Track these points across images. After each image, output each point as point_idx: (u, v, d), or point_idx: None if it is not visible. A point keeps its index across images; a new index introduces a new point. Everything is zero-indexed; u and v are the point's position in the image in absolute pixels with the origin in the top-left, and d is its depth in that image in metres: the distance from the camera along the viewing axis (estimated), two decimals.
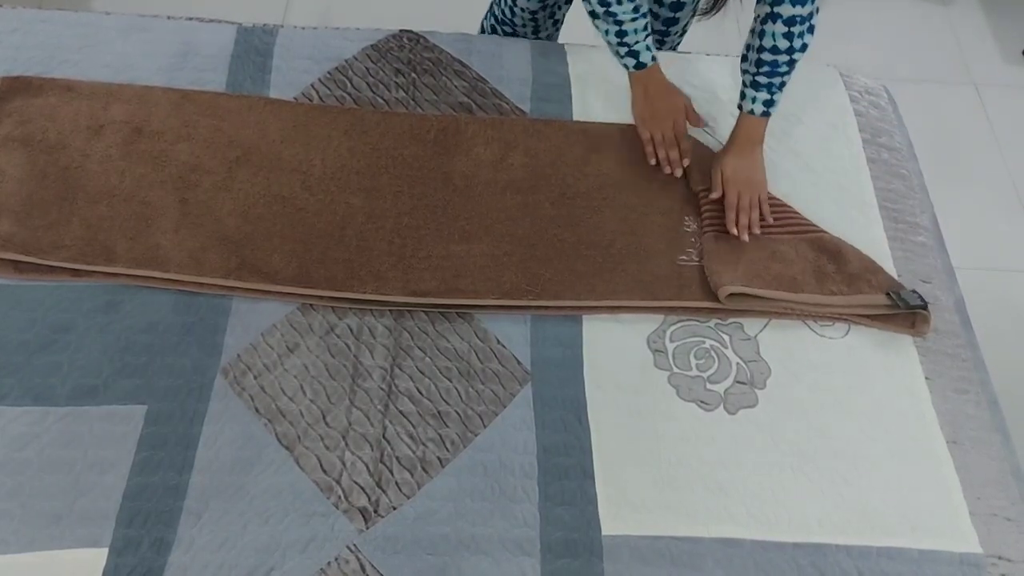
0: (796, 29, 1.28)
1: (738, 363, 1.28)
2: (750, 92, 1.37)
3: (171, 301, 1.26)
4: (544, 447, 1.18)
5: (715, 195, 1.39)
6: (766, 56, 1.31)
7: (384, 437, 1.16)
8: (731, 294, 1.30)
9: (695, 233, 1.39)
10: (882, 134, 1.60)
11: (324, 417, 1.18)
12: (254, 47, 1.58)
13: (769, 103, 1.36)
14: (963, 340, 1.35)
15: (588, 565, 1.09)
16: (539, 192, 1.42)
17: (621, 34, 1.36)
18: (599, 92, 1.58)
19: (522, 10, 1.69)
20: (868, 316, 1.33)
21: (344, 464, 1.14)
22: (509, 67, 1.59)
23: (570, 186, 1.43)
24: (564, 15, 1.76)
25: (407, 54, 1.59)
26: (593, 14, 1.37)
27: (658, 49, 1.69)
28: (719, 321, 1.32)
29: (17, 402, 1.15)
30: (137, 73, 1.51)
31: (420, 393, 1.21)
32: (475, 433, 1.18)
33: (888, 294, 1.32)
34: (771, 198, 1.42)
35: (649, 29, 1.38)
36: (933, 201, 1.56)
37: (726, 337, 1.30)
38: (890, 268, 1.40)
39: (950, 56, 2.72)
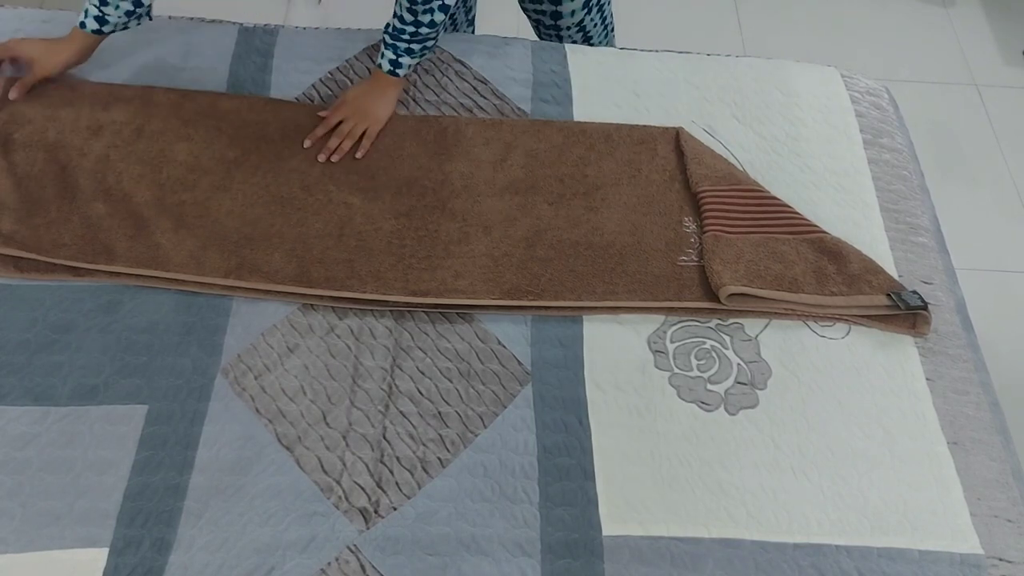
0: (419, 7, 1.34)
1: (739, 364, 1.28)
2: (381, 48, 1.44)
3: (172, 301, 1.26)
4: (544, 447, 1.18)
5: (329, 123, 1.43)
6: (395, 22, 1.39)
7: (384, 437, 1.17)
8: (732, 294, 1.30)
9: (695, 233, 1.39)
10: (883, 135, 1.60)
11: (324, 417, 1.18)
12: (255, 47, 1.58)
13: (395, 63, 1.42)
14: (964, 341, 1.35)
15: (588, 566, 1.08)
16: (538, 192, 1.42)
17: (414, 36, 1.39)
18: (600, 92, 1.58)
19: None
20: (868, 317, 1.33)
21: (344, 464, 1.14)
22: (510, 67, 1.59)
23: (569, 187, 1.43)
24: (475, 11, 1.81)
25: None
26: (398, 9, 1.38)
27: (553, 40, 1.74)
28: (720, 322, 1.32)
29: (17, 402, 1.15)
30: (137, 72, 1.51)
31: (420, 393, 1.21)
32: (475, 433, 1.18)
33: (888, 295, 1.32)
34: (771, 198, 1.43)
35: (426, 55, 1.44)
36: (934, 202, 1.56)
37: (727, 338, 1.30)
38: (891, 269, 1.40)
39: (951, 57, 2.72)
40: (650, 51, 1.69)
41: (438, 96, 1.54)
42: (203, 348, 1.22)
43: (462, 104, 1.53)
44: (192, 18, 1.63)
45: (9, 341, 1.20)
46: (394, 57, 1.42)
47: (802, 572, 1.10)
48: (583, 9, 1.66)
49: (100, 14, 1.39)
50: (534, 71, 1.59)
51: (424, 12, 1.35)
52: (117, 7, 1.38)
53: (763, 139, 1.55)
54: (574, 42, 1.73)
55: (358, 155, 1.42)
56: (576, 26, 1.70)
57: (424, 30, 1.38)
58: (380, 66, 1.44)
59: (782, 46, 2.59)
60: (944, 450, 1.23)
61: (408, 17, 1.36)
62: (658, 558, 1.10)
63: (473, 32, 1.82)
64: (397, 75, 1.44)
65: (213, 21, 1.63)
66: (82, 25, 1.41)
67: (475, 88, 1.56)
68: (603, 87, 1.59)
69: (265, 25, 1.63)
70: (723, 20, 2.72)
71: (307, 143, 1.42)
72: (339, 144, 1.41)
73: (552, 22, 1.69)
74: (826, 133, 1.57)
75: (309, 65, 1.56)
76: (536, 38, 1.78)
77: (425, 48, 1.42)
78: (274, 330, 1.25)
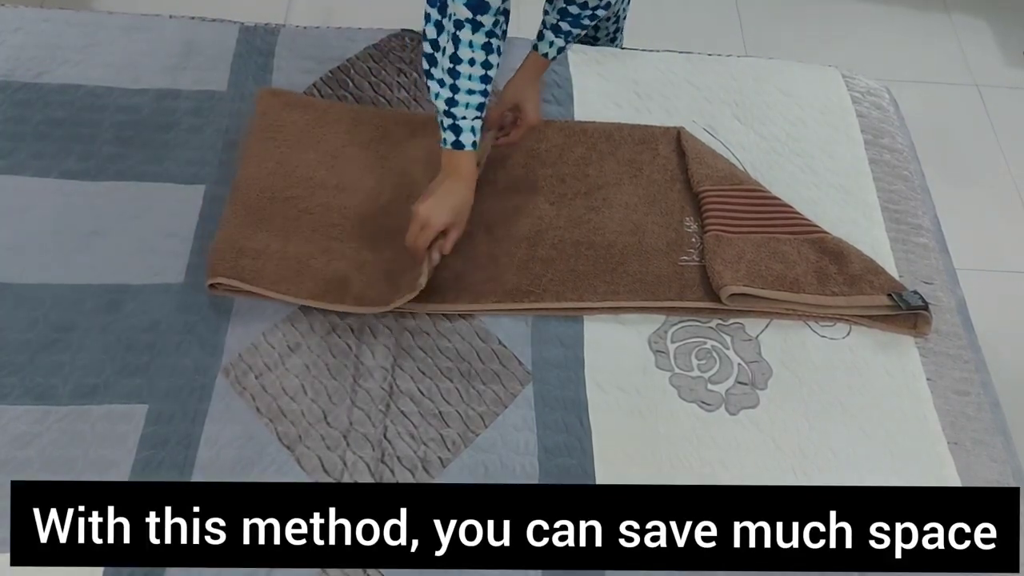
0: None
1: (739, 364, 1.28)
2: (549, 35, 1.34)
3: (173, 301, 1.26)
4: (545, 447, 1.18)
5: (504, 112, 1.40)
6: (573, 8, 1.30)
7: (385, 437, 1.17)
8: (733, 294, 1.30)
9: (696, 233, 1.39)
10: (884, 135, 1.60)
11: (325, 417, 1.18)
12: (256, 47, 1.58)
13: (562, 50, 1.37)
14: (965, 341, 1.35)
15: None
16: (539, 193, 1.42)
17: (452, 102, 1.20)
18: (600, 92, 1.58)
19: None
20: (869, 317, 1.33)
21: (345, 464, 1.14)
22: (510, 67, 1.59)
23: (571, 186, 1.43)
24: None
25: (409, 54, 1.59)
26: (429, 74, 1.22)
27: (592, 43, 1.70)
28: (720, 322, 1.32)
29: (18, 401, 1.15)
30: (139, 72, 1.51)
31: (421, 393, 1.21)
32: (476, 433, 1.18)
33: (890, 295, 1.32)
34: (772, 198, 1.43)
35: (483, 114, 1.23)
36: (935, 202, 1.56)
37: (727, 338, 1.30)
38: (892, 269, 1.40)
39: (952, 57, 2.72)
40: (651, 51, 1.69)
41: None
42: (204, 347, 1.22)
43: None
44: (193, 17, 1.63)
45: (10, 340, 1.20)
46: (564, 44, 1.35)
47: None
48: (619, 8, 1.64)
49: (476, 126, 1.23)
50: None
51: (464, 67, 1.19)
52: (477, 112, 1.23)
53: (764, 139, 1.55)
54: (608, 34, 1.71)
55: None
56: (614, 16, 1.68)
57: (600, 11, 1.31)
58: (546, 55, 1.36)
59: (783, 46, 2.58)
60: (945, 450, 1.23)
61: (592, 1, 1.28)
62: None
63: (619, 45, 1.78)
64: (555, 59, 1.39)
65: (214, 20, 1.63)
66: (459, 146, 1.23)
67: None
68: (604, 87, 1.59)
69: (266, 24, 1.63)
70: (724, 20, 2.72)
71: (423, 282, 1.25)
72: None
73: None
74: (827, 133, 1.57)
75: (311, 64, 1.56)
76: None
77: (584, 33, 1.39)
78: (275, 329, 1.25)
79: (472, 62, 1.19)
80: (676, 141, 1.51)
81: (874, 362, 1.30)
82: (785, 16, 2.76)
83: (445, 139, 1.23)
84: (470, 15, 1.16)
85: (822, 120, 1.59)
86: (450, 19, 1.19)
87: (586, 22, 1.33)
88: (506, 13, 1.23)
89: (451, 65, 1.19)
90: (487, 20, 1.18)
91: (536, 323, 1.29)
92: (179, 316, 1.24)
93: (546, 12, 1.36)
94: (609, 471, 1.16)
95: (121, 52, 1.53)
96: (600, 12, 1.32)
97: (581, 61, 1.62)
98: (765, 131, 1.56)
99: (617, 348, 1.28)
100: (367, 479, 1.13)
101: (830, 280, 1.33)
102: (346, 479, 1.12)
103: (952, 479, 1.20)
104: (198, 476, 1.11)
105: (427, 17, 1.22)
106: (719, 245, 1.34)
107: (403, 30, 1.63)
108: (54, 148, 1.40)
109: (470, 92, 1.20)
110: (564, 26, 1.33)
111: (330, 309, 1.26)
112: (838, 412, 1.24)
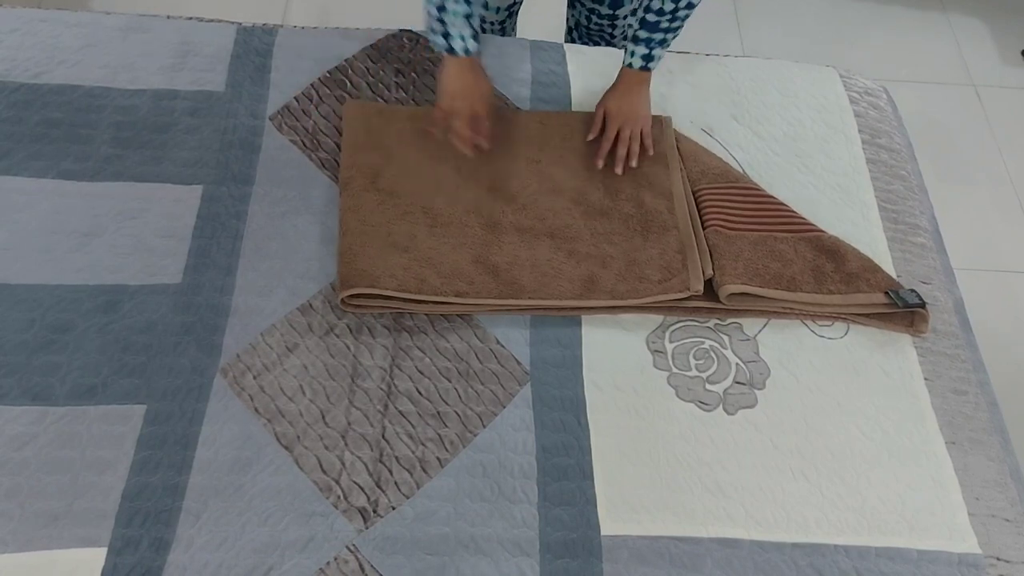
0: None
1: (737, 363, 1.28)
2: (630, 46, 1.40)
3: (170, 301, 1.26)
4: (543, 447, 1.18)
5: (592, 135, 1.45)
6: (650, 16, 1.35)
7: (383, 437, 1.16)
8: (732, 294, 1.30)
9: (695, 233, 1.39)
10: (881, 135, 1.60)
11: (323, 417, 1.17)
12: (254, 47, 1.58)
13: (647, 58, 1.40)
14: (962, 341, 1.36)
15: (587, 565, 1.09)
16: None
17: (441, 8, 1.30)
18: (599, 92, 1.58)
19: (491, 23, 1.71)
20: (867, 315, 1.33)
21: (343, 464, 1.14)
22: (509, 67, 1.59)
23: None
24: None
25: (407, 54, 1.59)
26: None
27: (607, 43, 1.71)
28: (718, 321, 1.32)
29: (16, 402, 1.15)
30: (136, 73, 1.51)
31: (419, 393, 1.21)
32: (474, 433, 1.18)
33: (887, 292, 1.32)
34: (768, 197, 1.43)
35: (474, 24, 1.33)
36: (932, 202, 1.56)
37: (725, 338, 1.30)
38: (889, 269, 1.41)
39: (949, 57, 2.72)
40: None
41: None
42: (202, 348, 1.22)
43: None
44: (191, 18, 1.63)
45: (7, 341, 1.20)
46: (647, 51, 1.39)
47: (800, 572, 1.11)
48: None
49: (464, 34, 1.33)
50: (533, 71, 1.59)
51: None
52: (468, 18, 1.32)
53: (762, 139, 1.55)
54: (624, 34, 1.72)
55: (650, 153, 1.45)
56: (631, 14, 1.69)
57: (683, 13, 1.34)
58: (631, 64, 1.41)
59: (781, 46, 2.59)
60: (942, 450, 1.23)
61: (668, 7, 1.32)
62: (657, 558, 1.10)
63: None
64: (650, 69, 1.42)
65: (212, 21, 1.63)
66: (451, 50, 1.34)
67: None
68: (602, 87, 1.59)
69: (264, 25, 1.63)
70: (722, 20, 2.72)
71: (600, 163, 1.43)
72: (627, 150, 1.43)
73: (610, 11, 1.66)
74: (824, 133, 1.57)
75: (308, 65, 1.56)
76: (564, 39, 1.78)
77: (675, 36, 1.39)
78: (273, 330, 1.24)
79: None
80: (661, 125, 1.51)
81: (872, 362, 1.30)
82: (783, 16, 2.76)
83: (437, 44, 1.34)
84: None
85: (820, 120, 1.59)
86: None
87: (665, 25, 1.36)
88: None
89: None
90: None
91: (534, 323, 1.29)
92: (176, 316, 1.24)
93: (628, 25, 1.41)
94: (607, 471, 1.16)
95: (119, 53, 1.53)
96: (681, 13, 1.34)
97: (580, 61, 1.62)
98: (763, 131, 1.56)
99: (615, 348, 1.28)
100: (365, 479, 1.13)
101: (827, 279, 1.33)
102: (344, 479, 1.12)
103: (949, 478, 1.20)
104: (196, 477, 1.11)
105: None
106: (717, 243, 1.34)
107: (401, 30, 1.62)
108: (51, 148, 1.40)
109: (455, 1, 1.29)
110: (643, 34, 1.37)
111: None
112: (836, 412, 1.24)
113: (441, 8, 1.30)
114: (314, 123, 1.48)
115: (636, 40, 1.39)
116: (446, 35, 1.33)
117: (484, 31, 1.72)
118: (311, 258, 1.32)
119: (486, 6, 1.66)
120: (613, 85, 1.47)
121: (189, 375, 1.19)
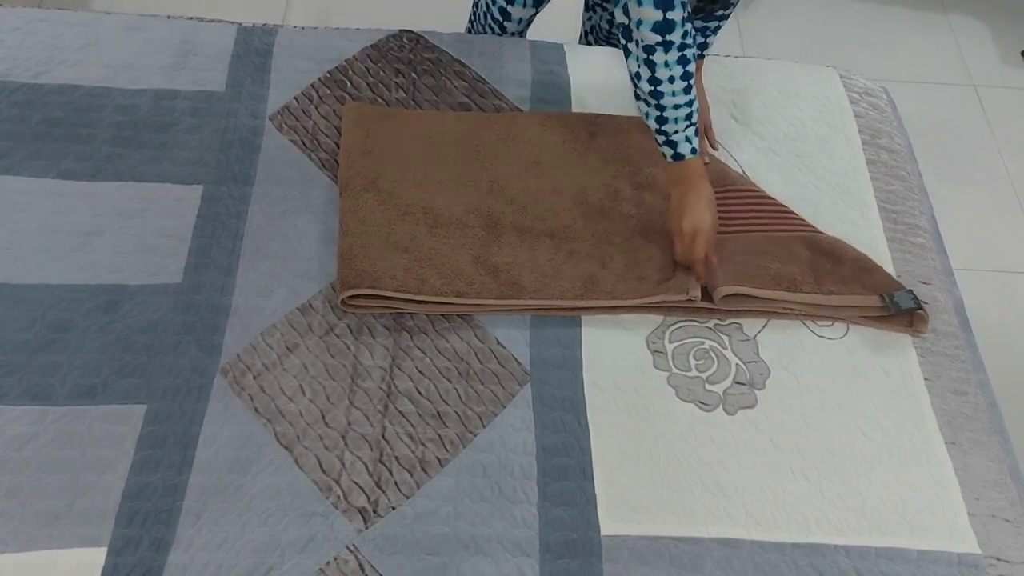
0: (661, 86, 1.22)
1: (737, 364, 1.28)
2: (662, 141, 1.29)
3: (170, 301, 1.26)
4: (543, 447, 1.18)
5: (703, 265, 1.30)
6: (697, 23, 1.38)
7: (383, 437, 1.16)
8: (727, 295, 1.29)
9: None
10: (881, 135, 1.60)
11: (323, 417, 1.18)
12: (254, 47, 1.58)
13: (703, 46, 1.42)
14: (962, 341, 1.36)
15: (587, 566, 1.09)
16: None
17: (661, 120, 1.24)
18: (598, 92, 1.58)
19: (512, 35, 1.70)
20: (865, 316, 1.33)
21: (343, 464, 1.14)
22: (509, 67, 1.59)
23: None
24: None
25: (407, 54, 1.59)
26: (636, 95, 1.26)
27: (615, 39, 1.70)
28: (718, 322, 1.32)
29: (16, 401, 1.15)
30: (137, 73, 1.51)
31: (419, 393, 1.21)
32: (474, 433, 1.18)
33: (881, 296, 1.32)
34: (766, 197, 1.43)
35: (693, 119, 1.25)
36: (932, 202, 1.56)
37: (725, 338, 1.31)
38: (889, 269, 1.41)
39: (949, 57, 2.72)
40: None
41: (436, 96, 1.54)
42: (202, 348, 1.22)
43: (460, 104, 1.53)
44: (191, 18, 1.63)
45: (7, 341, 1.20)
46: (703, 40, 1.40)
47: (801, 572, 1.11)
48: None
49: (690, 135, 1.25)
50: (533, 71, 1.59)
51: (665, 86, 1.20)
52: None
53: (762, 139, 1.55)
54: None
55: (714, 150, 1.46)
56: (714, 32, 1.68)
57: (682, 100, 1.22)
58: (677, 156, 1.27)
59: (781, 46, 2.59)
60: (942, 450, 1.23)
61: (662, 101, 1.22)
62: (657, 558, 1.10)
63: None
64: (704, 56, 1.42)
65: (212, 21, 1.63)
66: (679, 157, 1.26)
67: (474, 88, 1.56)
68: (602, 87, 1.59)
69: (264, 25, 1.63)
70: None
71: (696, 294, 1.29)
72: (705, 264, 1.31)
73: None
74: (825, 133, 1.57)
75: (308, 65, 1.56)
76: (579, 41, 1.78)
77: (726, 20, 1.40)
78: (273, 330, 1.25)
79: (671, 80, 1.20)
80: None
81: (872, 362, 1.30)
82: (783, 16, 2.76)
83: (664, 153, 1.27)
84: (659, 39, 1.16)
85: (820, 120, 1.59)
86: (638, 45, 1.19)
87: (720, 13, 1.38)
88: (691, 16, 1.22)
89: (651, 88, 1.21)
90: (676, 37, 1.17)
91: (534, 323, 1.29)
92: (177, 316, 1.24)
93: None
94: (607, 471, 1.16)
95: (119, 52, 1.53)
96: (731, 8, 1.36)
97: (580, 62, 1.62)
98: (763, 131, 1.56)
99: (615, 348, 1.28)
100: (365, 479, 1.13)
101: (825, 278, 1.33)
102: (344, 479, 1.12)
103: (949, 478, 1.20)
104: (196, 476, 1.11)
105: (625, 51, 1.23)
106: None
107: (401, 30, 1.63)
108: (52, 148, 1.40)
109: (676, 107, 1.22)
110: (697, 23, 1.39)
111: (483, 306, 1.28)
112: (836, 412, 1.24)
113: (661, 120, 1.22)
114: (314, 123, 1.48)
115: (668, 137, 1.27)
116: (671, 143, 1.24)
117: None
118: (311, 258, 1.32)
119: (509, 18, 1.65)
120: (674, 193, 1.31)
121: (189, 375, 1.19)
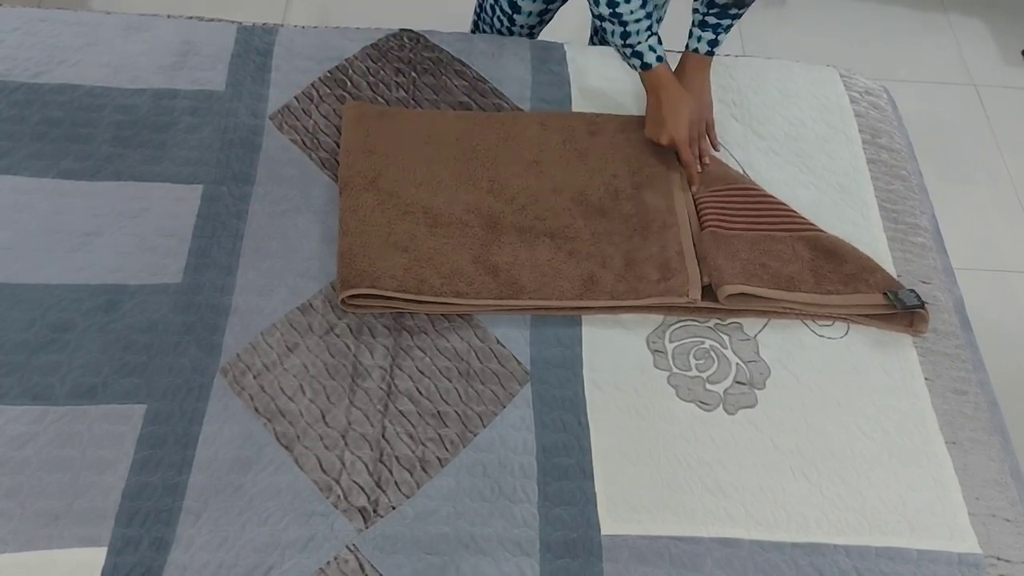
0: None
1: (737, 363, 1.28)
2: (696, 31, 1.46)
3: (170, 301, 1.26)
4: (543, 447, 1.18)
5: (692, 151, 1.44)
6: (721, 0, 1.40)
7: (383, 437, 1.16)
8: (730, 295, 1.30)
9: (694, 233, 1.39)
10: (882, 135, 1.60)
11: (323, 417, 1.17)
12: (254, 46, 1.58)
13: (714, 43, 1.45)
14: (962, 341, 1.36)
15: (587, 565, 1.09)
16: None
17: (625, 35, 1.38)
18: (598, 92, 1.58)
19: (520, 27, 1.69)
20: (866, 315, 1.33)
21: (343, 464, 1.14)
22: (509, 67, 1.59)
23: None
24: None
25: (407, 54, 1.59)
26: (599, 16, 1.39)
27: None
28: (718, 321, 1.32)
29: (16, 401, 1.15)
30: (136, 72, 1.51)
31: (420, 393, 1.21)
32: (474, 433, 1.18)
33: (885, 294, 1.32)
34: (767, 196, 1.43)
35: (653, 29, 1.40)
36: (932, 202, 1.56)
37: (725, 337, 1.30)
38: (890, 269, 1.41)
39: (949, 57, 2.72)
40: None
41: (436, 95, 1.54)
42: (202, 347, 1.22)
43: (460, 103, 1.53)
44: (191, 17, 1.63)
45: (7, 340, 1.20)
46: (714, 37, 1.44)
47: (801, 572, 1.11)
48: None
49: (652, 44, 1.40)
50: (533, 71, 1.59)
51: (623, 7, 1.35)
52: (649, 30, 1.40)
53: (762, 139, 1.55)
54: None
55: (717, 150, 1.49)
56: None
57: (640, 14, 1.37)
58: (696, 49, 1.46)
59: (781, 46, 2.59)
60: (942, 450, 1.23)
61: None
62: (657, 557, 1.10)
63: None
64: (713, 54, 1.46)
65: (212, 20, 1.63)
66: (646, 66, 1.41)
67: (474, 87, 1.56)
68: (602, 87, 1.59)
69: (264, 24, 1.63)
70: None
71: (694, 188, 1.42)
72: (699, 150, 1.45)
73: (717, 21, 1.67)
74: (825, 133, 1.57)
75: (309, 64, 1.56)
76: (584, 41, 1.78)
77: (740, 19, 1.44)
78: (273, 329, 1.24)
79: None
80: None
81: (872, 362, 1.30)
82: (783, 16, 2.76)
83: (633, 65, 1.43)
84: None
85: (820, 120, 1.59)
86: None
87: (735, 11, 1.41)
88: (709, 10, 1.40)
89: (610, 10, 1.36)
90: None
91: (534, 323, 1.29)
92: (177, 316, 1.24)
93: (695, 11, 1.45)
94: (607, 471, 1.16)
95: (119, 52, 1.53)
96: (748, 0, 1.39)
97: (580, 61, 1.62)
98: (763, 131, 1.56)
99: (615, 348, 1.28)
100: (365, 479, 1.13)
101: (826, 278, 1.33)
102: (344, 479, 1.12)
103: (950, 478, 1.20)
104: (196, 476, 1.11)
105: None
106: (716, 243, 1.34)
107: (401, 30, 1.63)
108: (52, 148, 1.40)
109: (636, 21, 1.37)
110: (712, 19, 1.42)
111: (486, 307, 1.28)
112: (836, 412, 1.24)
113: (625, 35, 1.37)
114: (314, 123, 1.48)
115: (704, 25, 1.44)
116: (637, 53, 1.39)
117: (513, 34, 1.72)
118: (311, 257, 1.32)
119: (519, 11, 1.66)
120: (676, 72, 1.47)
121: (189, 375, 1.19)
